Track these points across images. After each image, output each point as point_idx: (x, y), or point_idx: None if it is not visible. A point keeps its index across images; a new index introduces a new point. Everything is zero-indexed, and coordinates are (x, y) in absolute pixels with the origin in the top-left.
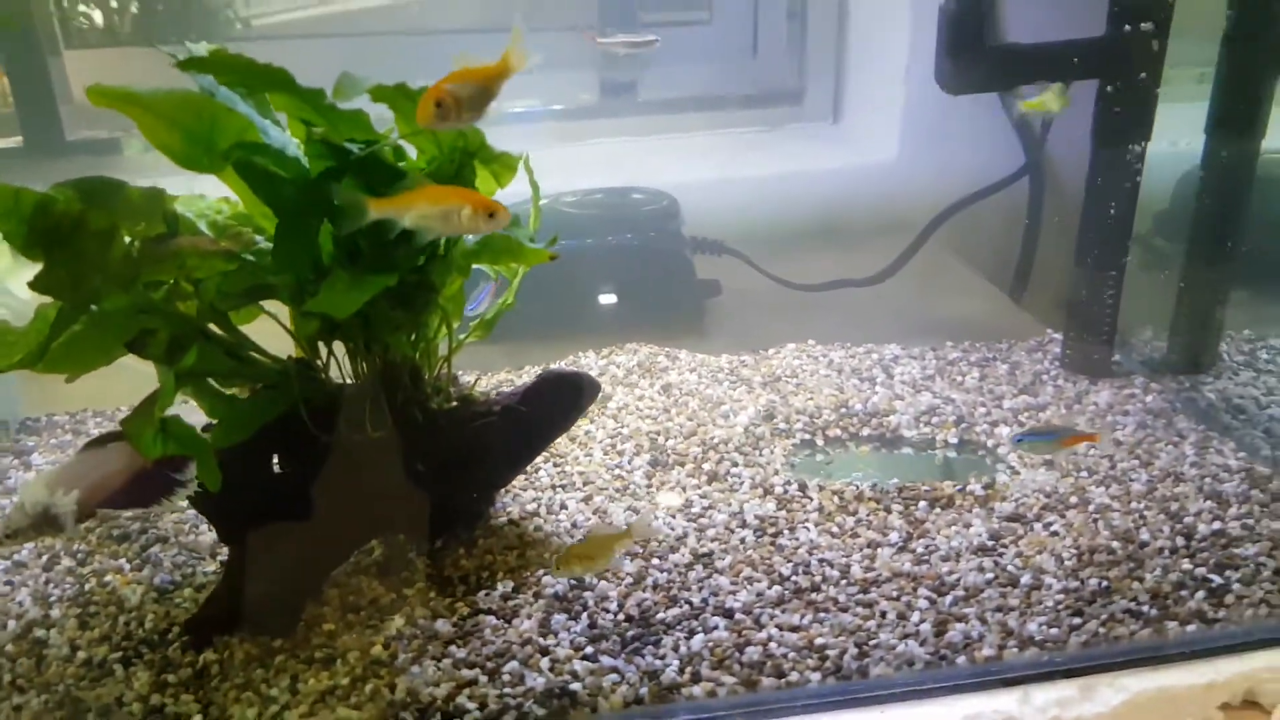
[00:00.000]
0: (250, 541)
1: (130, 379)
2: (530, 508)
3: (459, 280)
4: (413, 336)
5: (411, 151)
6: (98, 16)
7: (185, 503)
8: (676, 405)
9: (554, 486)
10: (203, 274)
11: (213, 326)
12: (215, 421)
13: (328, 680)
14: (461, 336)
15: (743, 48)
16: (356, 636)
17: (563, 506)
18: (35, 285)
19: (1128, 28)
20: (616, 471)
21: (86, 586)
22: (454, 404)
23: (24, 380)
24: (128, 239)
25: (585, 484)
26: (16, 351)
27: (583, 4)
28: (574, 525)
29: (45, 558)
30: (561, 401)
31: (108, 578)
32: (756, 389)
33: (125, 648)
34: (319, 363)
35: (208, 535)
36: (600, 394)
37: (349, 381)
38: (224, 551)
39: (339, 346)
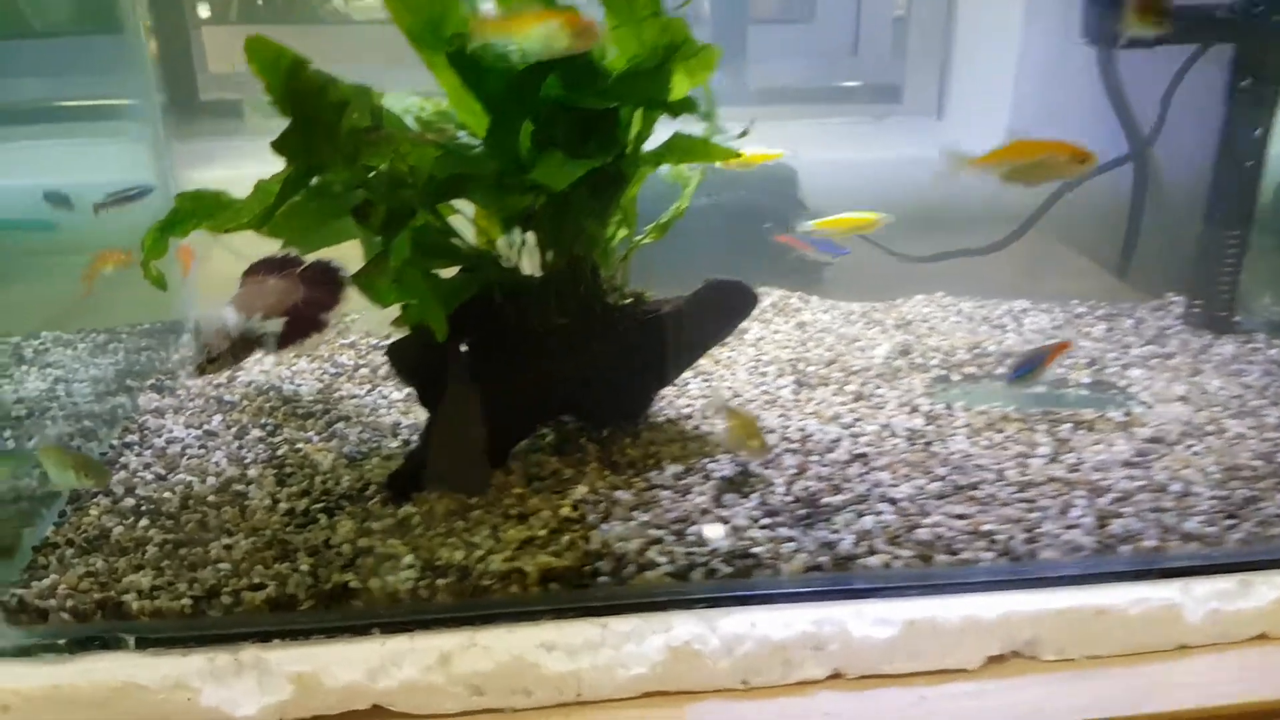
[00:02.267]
0: (447, 408)
1: None
2: (685, 411)
3: (640, 181)
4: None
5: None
6: None
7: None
8: (813, 339)
9: (704, 396)
10: (414, 161)
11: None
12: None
13: (525, 532)
14: (638, 238)
15: (843, 46)
16: (545, 500)
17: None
18: (276, 145)
19: None
20: (763, 388)
21: (279, 452)
22: (629, 301)
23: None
24: None
25: (734, 396)
26: (242, 215)
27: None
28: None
29: (235, 429)
30: (725, 307)
31: (299, 445)
32: (890, 330)
33: (325, 501)
34: (511, 252)
35: (388, 416)
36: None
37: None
38: (404, 430)
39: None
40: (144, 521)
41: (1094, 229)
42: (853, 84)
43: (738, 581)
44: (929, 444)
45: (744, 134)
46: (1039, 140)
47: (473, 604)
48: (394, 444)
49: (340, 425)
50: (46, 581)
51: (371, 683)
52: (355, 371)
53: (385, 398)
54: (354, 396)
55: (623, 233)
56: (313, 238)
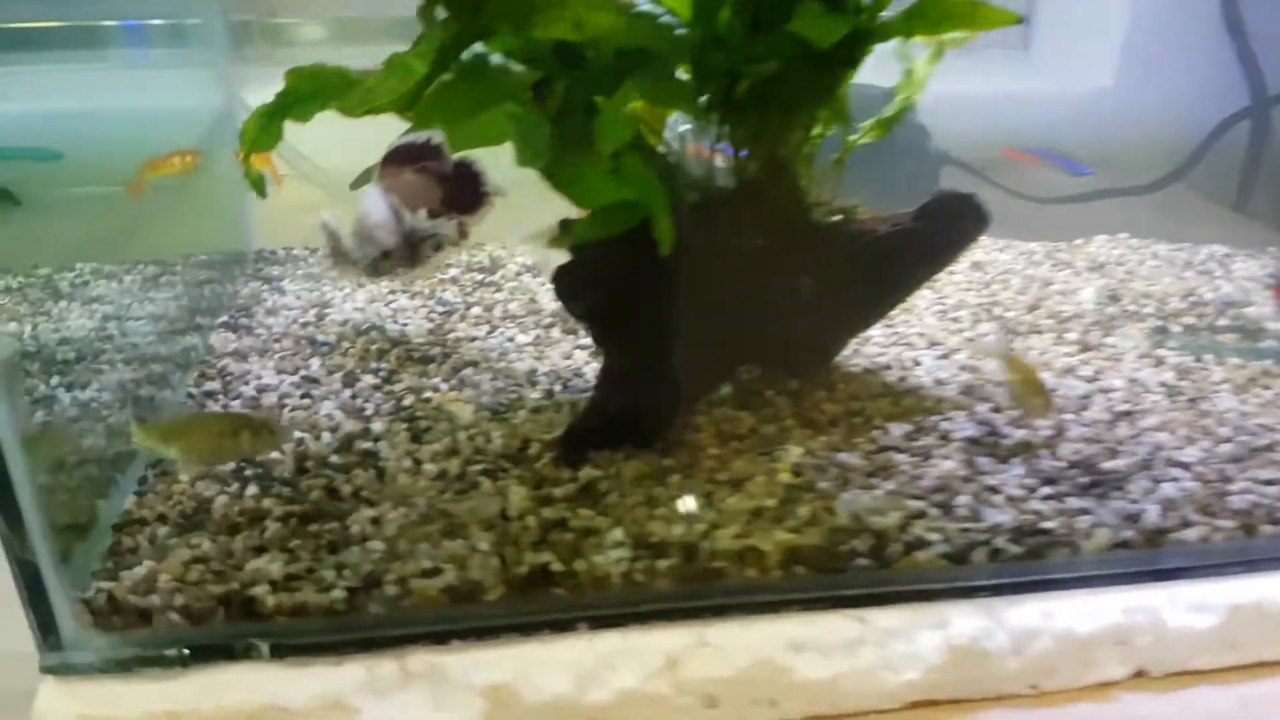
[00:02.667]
0: (632, 348)
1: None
2: (880, 360)
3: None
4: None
5: None
6: None
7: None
8: (996, 281)
9: (894, 344)
10: (590, 32)
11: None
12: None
13: (749, 502)
14: (852, 137)
15: None
16: (751, 462)
17: (916, 363)
18: (447, 3)
19: None
20: (964, 335)
21: (405, 402)
22: (838, 218)
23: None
24: None
25: (931, 344)
26: (379, 97)
27: None
28: (938, 381)
29: (340, 374)
30: (954, 227)
31: (426, 394)
32: (1084, 273)
33: (480, 462)
34: (703, 153)
35: (519, 362)
36: None
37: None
38: (542, 379)
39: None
40: (252, 489)
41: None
42: None
43: (1028, 564)
44: (1194, 401)
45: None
46: None
47: (700, 591)
48: (536, 394)
49: (468, 372)
50: (140, 570)
51: (580, 694)
52: (467, 310)
53: (511, 340)
54: (473, 339)
55: (832, 130)
56: (464, 130)
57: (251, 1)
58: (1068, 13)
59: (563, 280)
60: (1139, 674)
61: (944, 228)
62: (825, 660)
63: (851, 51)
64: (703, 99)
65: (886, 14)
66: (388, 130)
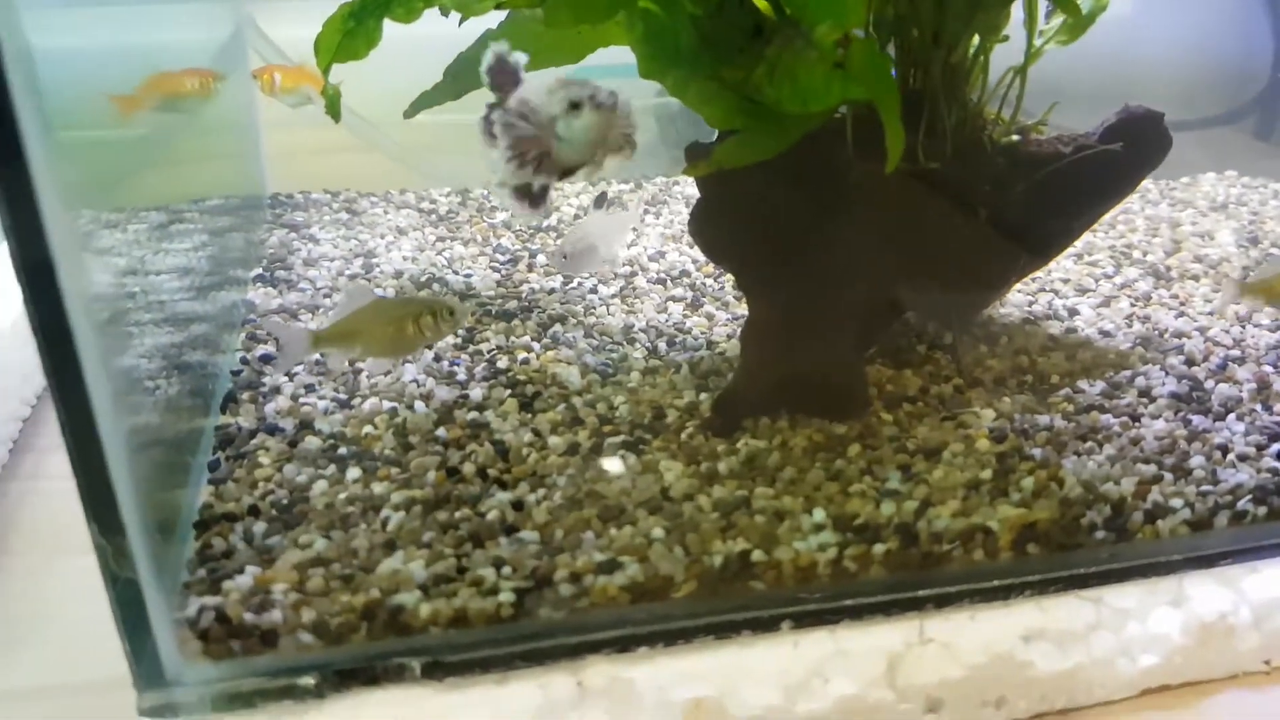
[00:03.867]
0: (790, 297)
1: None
2: (1035, 310)
3: None
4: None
5: None
6: None
7: None
8: (1121, 221)
9: (1041, 291)
10: None
11: None
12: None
13: (957, 474)
14: (1037, 43)
15: None
16: (936, 428)
17: (1073, 312)
18: None
19: None
20: (1113, 281)
21: (499, 365)
22: (1015, 138)
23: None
24: None
25: (1081, 291)
26: None
27: None
28: (1103, 333)
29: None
30: (1137, 150)
31: (522, 356)
32: (1208, 213)
33: (613, 434)
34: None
35: (610, 319)
36: None
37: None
38: (640, 336)
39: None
40: (354, 472)
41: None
42: None
43: (1272, 526)
44: None
45: None
46: None
47: (919, 580)
48: (639, 354)
49: (558, 329)
50: (245, 579)
51: (790, 705)
52: (532, 259)
53: (593, 293)
54: (550, 291)
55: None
56: (583, 37)
57: None
58: None
59: (701, 220)
60: None
61: (1129, 150)
62: (1061, 652)
63: None
64: None
65: None
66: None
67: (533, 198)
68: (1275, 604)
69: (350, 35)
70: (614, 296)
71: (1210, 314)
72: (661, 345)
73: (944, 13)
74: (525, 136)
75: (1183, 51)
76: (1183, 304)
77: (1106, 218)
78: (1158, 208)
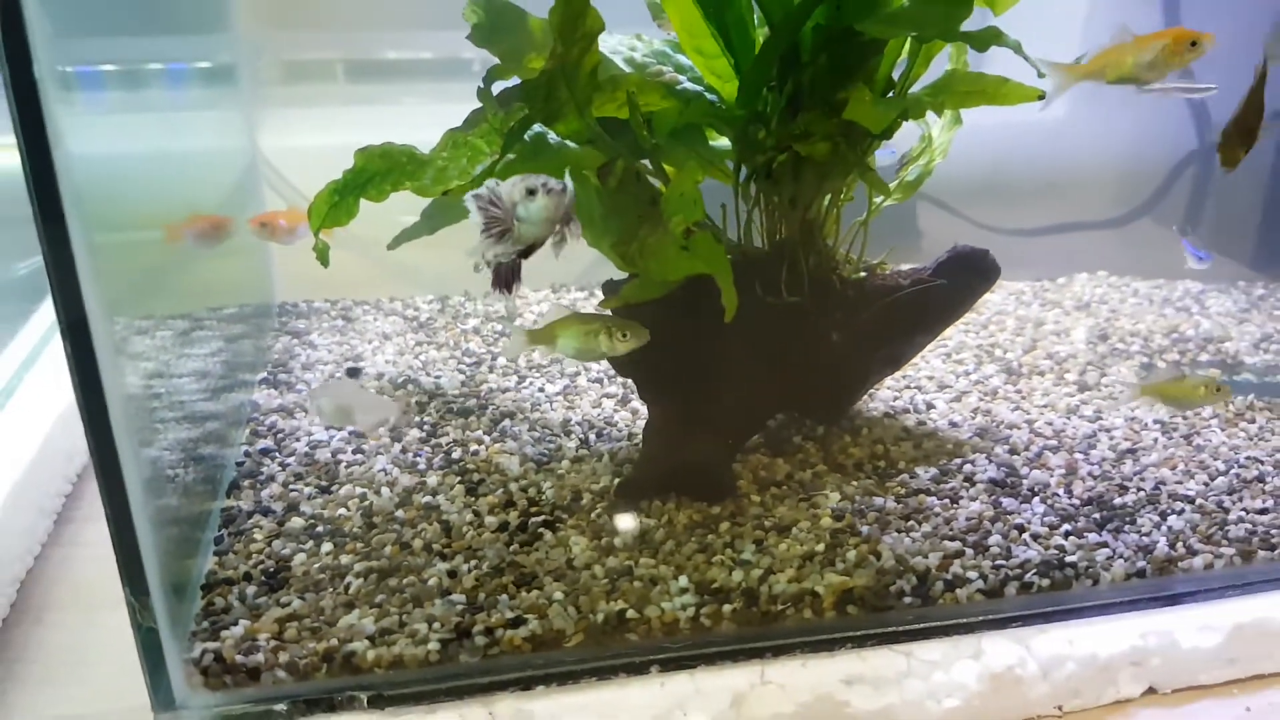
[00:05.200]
0: (679, 402)
1: (377, 269)
2: (897, 405)
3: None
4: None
5: None
6: None
7: None
8: (993, 322)
9: (906, 388)
10: (645, 108)
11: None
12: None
13: (799, 547)
14: (877, 200)
15: None
16: (793, 508)
17: (930, 406)
18: (524, 91)
19: None
20: (971, 378)
21: (454, 455)
22: (863, 274)
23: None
24: None
25: (941, 387)
26: (452, 176)
27: None
28: (953, 424)
29: (386, 429)
30: (969, 279)
31: (473, 448)
32: (1072, 312)
33: (537, 514)
34: (739, 220)
35: (552, 414)
36: None
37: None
38: (576, 429)
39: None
40: (327, 546)
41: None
42: None
43: (1053, 595)
44: (1188, 437)
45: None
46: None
47: (760, 633)
48: (573, 444)
49: (506, 424)
50: (238, 629)
51: None
52: (494, 361)
53: (541, 391)
54: (505, 390)
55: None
56: None
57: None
58: (1030, 45)
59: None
60: (1150, 690)
61: (959, 281)
62: (878, 693)
63: (887, 126)
64: (744, 170)
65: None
66: None
67: (505, 278)
68: (1060, 659)
69: (335, 208)
70: (558, 394)
71: (1044, 406)
72: (592, 437)
73: (799, 183)
74: (495, 217)
75: (1113, 152)
76: (1023, 397)
77: (979, 319)
78: (1029, 308)
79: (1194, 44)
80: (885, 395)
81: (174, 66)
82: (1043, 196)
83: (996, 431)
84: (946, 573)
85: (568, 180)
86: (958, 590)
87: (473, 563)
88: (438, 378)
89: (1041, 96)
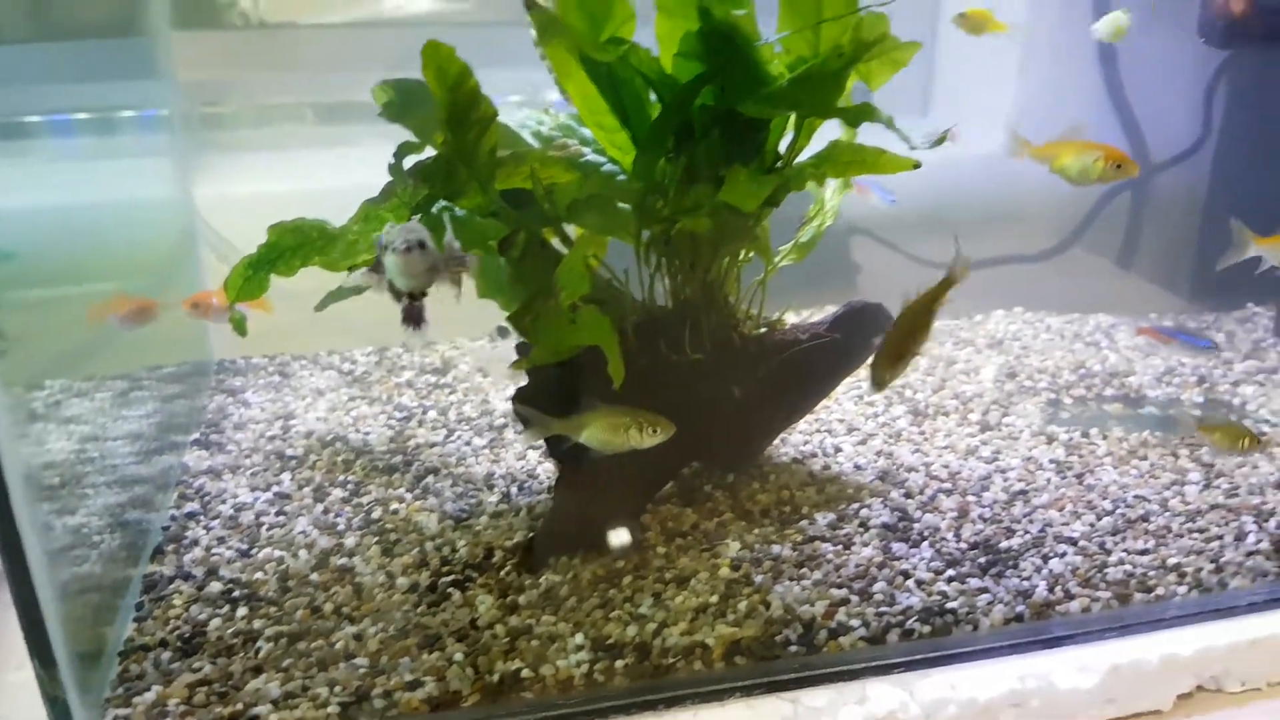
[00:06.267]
0: (584, 460)
1: (323, 325)
2: (806, 449)
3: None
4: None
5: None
6: None
7: None
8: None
9: (817, 431)
10: (547, 180)
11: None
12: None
13: (694, 599)
14: (775, 259)
15: None
16: (695, 559)
17: (838, 449)
18: (422, 173)
19: None
20: (879, 420)
21: (374, 515)
22: (763, 330)
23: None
24: None
25: (850, 430)
26: (361, 250)
27: None
28: (857, 467)
29: (310, 488)
30: (864, 332)
31: (393, 507)
32: (984, 350)
33: (449, 573)
34: (642, 282)
35: (477, 467)
36: None
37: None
38: (499, 482)
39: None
40: (242, 610)
41: (1110, 230)
42: None
43: (935, 641)
44: (1080, 476)
45: (942, 139)
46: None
47: (652, 686)
48: (494, 498)
49: (430, 480)
50: (150, 695)
51: None
52: (424, 415)
53: (469, 444)
54: (432, 445)
55: (752, 254)
56: None
57: (192, 90)
58: (963, 81)
59: (518, 405)
60: None
61: (854, 333)
62: None
63: (773, 196)
64: (644, 236)
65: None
66: None
67: (412, 316)
68: (943, 703)
69: (248, 282)
70: (485, 447)
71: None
72: (514, 490)
73: (696, 248)
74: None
75: (1053, 181)
76: (926, 439)
77: None
78: (944, 347)
79: (1119, 166)
80: (796, 440)
81: (94, 115)
82: (984, 229)
83: (896, 474)
84: (831, 621)
85: (449, 239)
86: (841, 638)
87: (380, 625)
88: (366, 434)
89: (917, 166)
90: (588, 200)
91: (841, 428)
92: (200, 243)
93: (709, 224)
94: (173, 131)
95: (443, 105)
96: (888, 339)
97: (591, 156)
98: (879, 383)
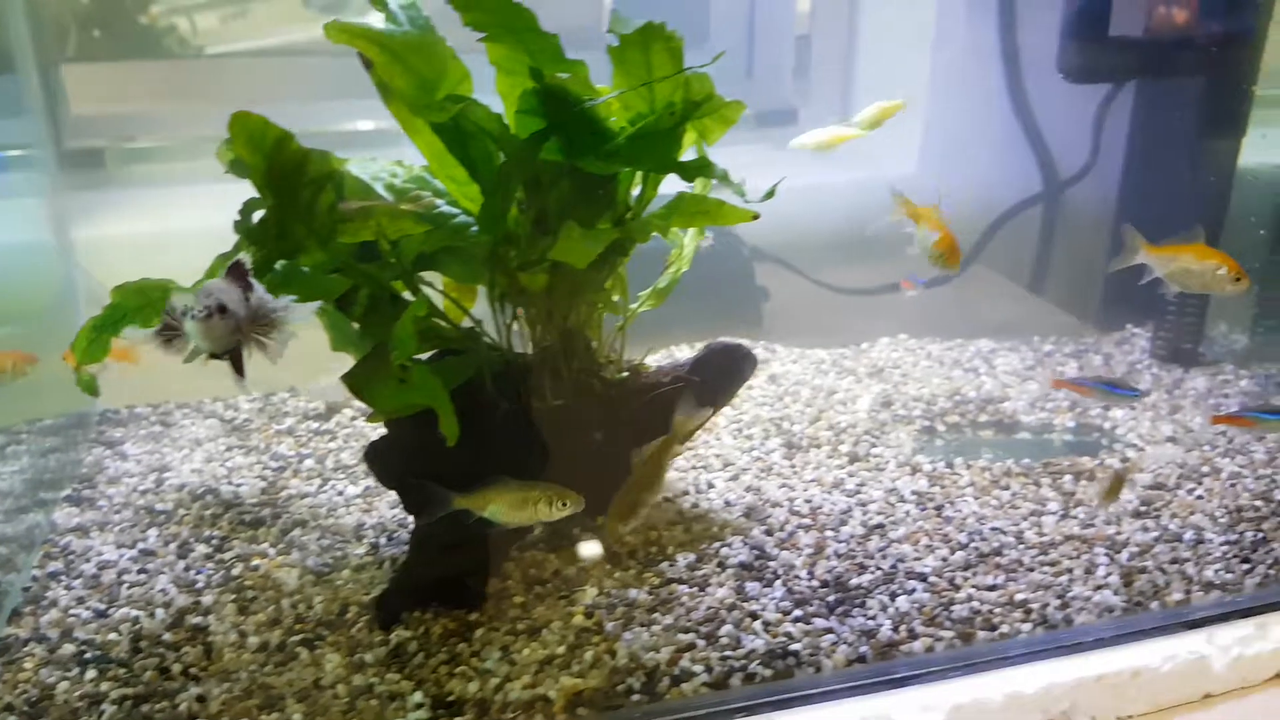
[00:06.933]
0: (436, 514)
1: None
2: (679, 487)
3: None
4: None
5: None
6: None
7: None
8: (789, 394)
9: (694, 468)
10: (393, 235)
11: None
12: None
13: (541, 650)
14: (632, 306)
15: (736, 70)
16: (551, 607)
17: (710, 486)
18: (249, 234)
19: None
20: (754, 454)
21: (234, 571)
22: (625, 374)
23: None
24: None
25: (725, 465)
26: None
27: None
28: (727, 503)
29: (176, 545)
30: (728, 372)
31: (255, 562)
32: (864, 379)
33: (301, 630)
34: (500, 329)
35: (348, 518)
36: None
37: (523, 351)
38: (368, 532)
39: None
40: (91, 673)
41: (1016, 252)
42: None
43: (778, 684)
44: (940, 508)
45: (770, 194)
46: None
47: None
48: (361, 550)
49: (297, 533)
50: None
51: None
52: (300, 464)
53: (341, 494)
54: (304, 495)
55: (616, 298)
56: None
57: (103, 126)
58: (880, 101)
59: (370, 458)
60: None
61: (717, 375)
62: None
63: (621, 248)
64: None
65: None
66: None
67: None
68: None
69: (92, 344)
70: (358, 496)
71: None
72: (383, 541)
73: (552, 297)
74: (168, 325)
75: (965, 204)
76: (795, 472)
77: (776, 391)
78: (826, 377)
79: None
80: (671, 477)
81: None
82: (897, 252)
83: (762, 510)
84: (675, 667)
85: (260, 294)
86: (684, 684)
87: (225, 686)
88: (239, 486)
89: (756, 217)
90: (450, 250)
91: (718, 463)
92: (79, 290)
93: (545, 280)
94: (44, 171)
95: (259, 172)
96: (622, 493)
97: (445, 208)
98: (614, 536)
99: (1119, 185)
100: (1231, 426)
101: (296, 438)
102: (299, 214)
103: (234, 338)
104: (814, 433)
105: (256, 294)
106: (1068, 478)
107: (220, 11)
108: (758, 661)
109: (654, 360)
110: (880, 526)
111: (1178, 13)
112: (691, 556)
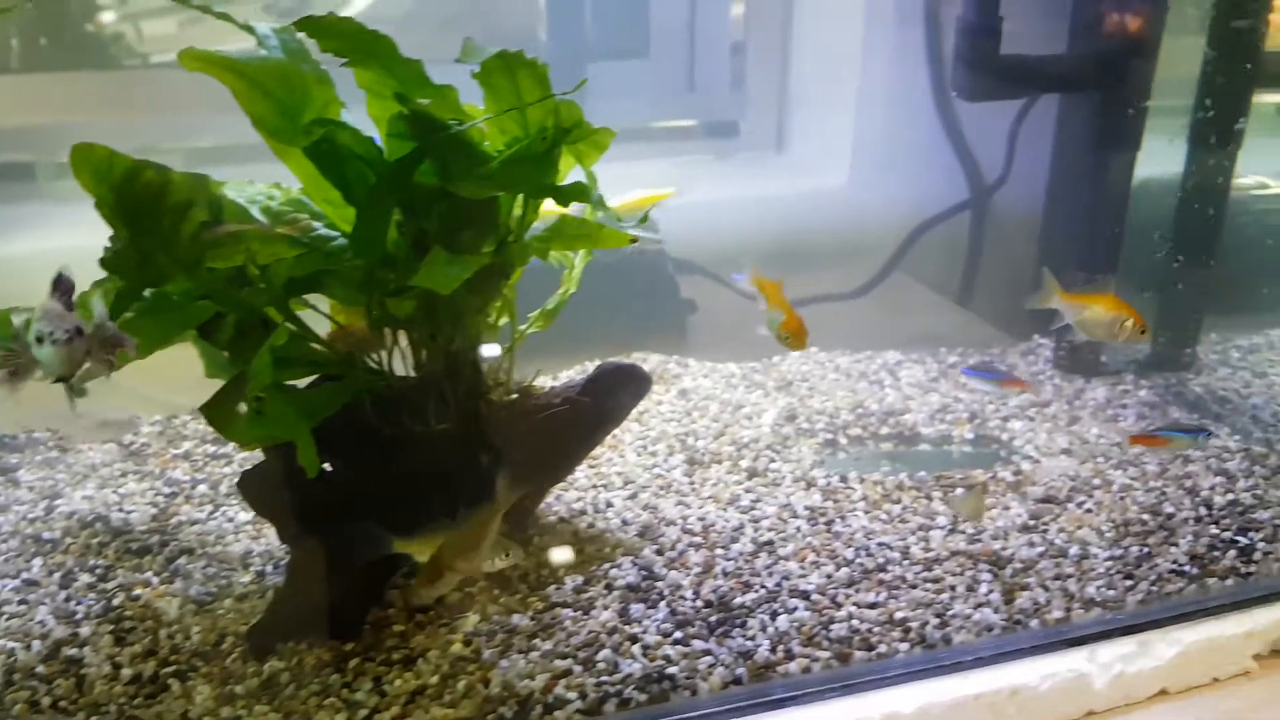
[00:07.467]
0: (312, 541)
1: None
2: (576, 507)
3: (520, 268)
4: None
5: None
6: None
7: None
8: (697, 409)
9: (594, 486)
10: (265, 259)
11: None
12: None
13: (414, 680)
14: (521, 327)
15: (679, 82)
16: (431, 635)
17: (609, 505)
18: (105, 263)
19: (1121, 45)
20: (655, 471)
21: (115, 602)
22: (514, 396)
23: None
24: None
25: (626, 483)
26: None
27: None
28: (624, 522)
29: (60, 574)
30: (620, 392)
31: (136, 592)
32: (772, 393)
33: (175, 662)
34: (381, 353)
35: (236, 545)
36: None
37: (407, 374)
38: (255, 560)
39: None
40: None
41: (933, 264)
42: (688, 122)
43: (654, 708)
44: (830, 524)
45: (644, 219)
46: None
47: None
48: (246, 579)
49: (182, 561)
50: None
51: None
52: (193, 489)
53: (231, 520)
54: (195, 522)
55: (504, 320)
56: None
57: (35, 140)
58: (813, 115)
59: (244, 488)
60: None
61: (609, 395)
62: None
63: (501, 271)
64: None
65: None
66: None
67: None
68: None
69: None
70: (249, 522)
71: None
72: (269, 569)
73: (435, 320)
74: (7, 355)
75: (894, 215)
76: (693, 489)
77: (685, 406)
78: (735, 391)
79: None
80: (570, 497)
81: None
82: (826, 263)
83: (656, 529)
84: (549, 695)
85: (101, 316)
86: (557, 712)
87: (94, 719)
88: (129, 513)
89: (634, 241)
90: (332, 274)
91: (619, 481)
92: None
93: (411, 305)
94: None
95: (106, 204)
96: (435, 554)
97: (323, 231)
98: (419, 598)
99: (1044, 197)
100: (1148, 447)
101: (193, 462)
102: (160, 242)
103: (70, 367)
104: (717, 448)
105: (98, 312)
106: (959, 490)
107: (178, 17)
108: (633, 686)
109: (569, 375)
110: (770, 543)
111: (1070, 31)
112: (580, 579)
